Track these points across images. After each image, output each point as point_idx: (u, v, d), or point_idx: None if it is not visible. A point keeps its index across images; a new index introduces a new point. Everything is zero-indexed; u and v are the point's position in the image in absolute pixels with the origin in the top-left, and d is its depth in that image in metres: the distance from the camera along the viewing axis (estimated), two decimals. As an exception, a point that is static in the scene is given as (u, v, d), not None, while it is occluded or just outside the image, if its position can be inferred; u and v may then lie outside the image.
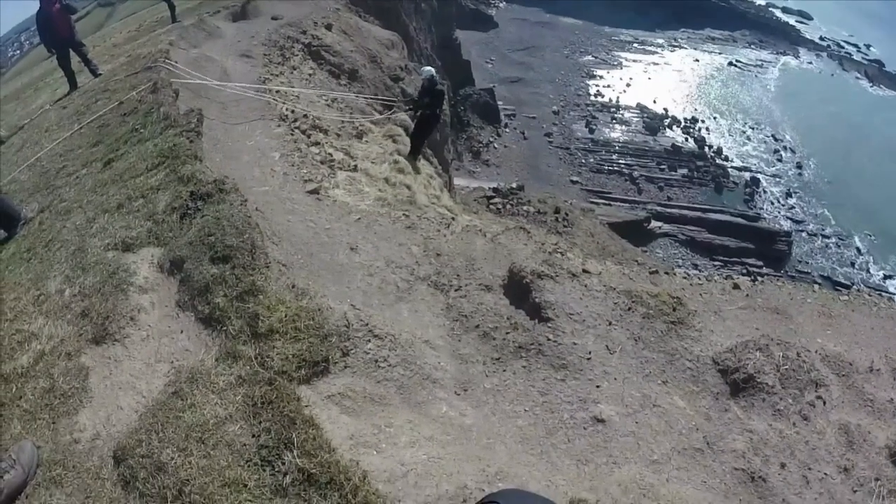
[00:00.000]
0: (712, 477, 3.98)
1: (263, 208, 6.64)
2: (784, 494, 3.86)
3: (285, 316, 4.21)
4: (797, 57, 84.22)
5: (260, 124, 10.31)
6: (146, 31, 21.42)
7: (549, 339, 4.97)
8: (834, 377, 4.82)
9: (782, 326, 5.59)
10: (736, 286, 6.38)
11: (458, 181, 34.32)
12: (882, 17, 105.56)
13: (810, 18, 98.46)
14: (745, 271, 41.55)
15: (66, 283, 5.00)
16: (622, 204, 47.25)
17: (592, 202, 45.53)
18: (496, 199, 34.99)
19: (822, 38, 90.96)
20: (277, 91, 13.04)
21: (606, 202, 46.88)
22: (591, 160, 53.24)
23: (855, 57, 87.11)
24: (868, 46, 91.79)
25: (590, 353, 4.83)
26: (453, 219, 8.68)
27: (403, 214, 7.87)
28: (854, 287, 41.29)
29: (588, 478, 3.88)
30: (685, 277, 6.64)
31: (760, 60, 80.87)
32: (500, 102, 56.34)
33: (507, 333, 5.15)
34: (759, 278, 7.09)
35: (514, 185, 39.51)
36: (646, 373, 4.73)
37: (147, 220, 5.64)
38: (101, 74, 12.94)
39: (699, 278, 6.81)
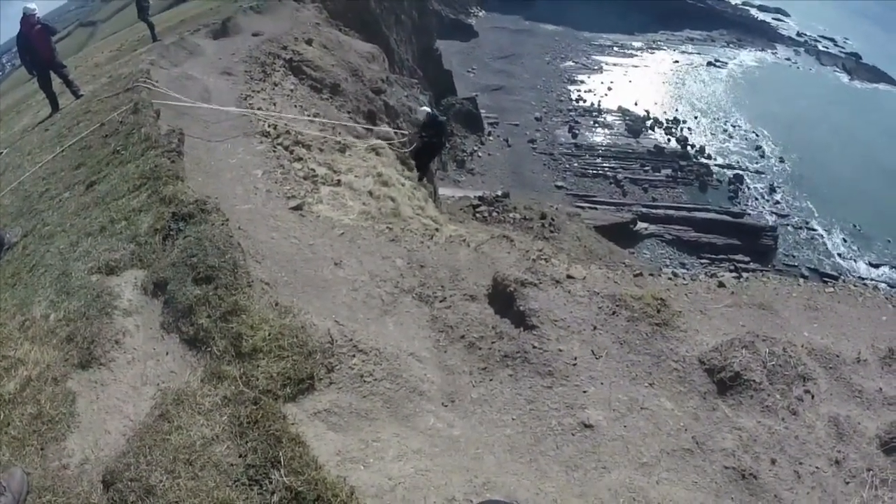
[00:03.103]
0: (703, 477, 3.99)
1: (246, 226, 6.64)
2: (776, 490, 3.88)
3: (269, 335, 4.21)
4: (775, 53, 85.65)
5: (242, 141, 10.30)
6: (127, 50, 21.37)
7: (534, 347, 4.99)
8: (821, 370, 4.86)
9: (769, 322, 5.64)
10: (721, 284, 6.42)
11: (443, 191, 34.38)
12: (858, 10, 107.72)
13: (787, 15, 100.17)
14: (732, 268, 41.99)
15: (51, 308, 5.00)
16: (608, 207, 47.58)
17: (578, 206, 45.75)
18: (482, 208, 35.08)
19: (799, 34, 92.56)
20: (259, 109, 13.07)
21: (592, 206, 47.16)
22: (575, 165, 53.63)
23: (832, 51, 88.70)
24: (845, 39, 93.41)
25: (575, 358, 4.86)
26: (437, 230, 8.74)
27: (387, 227, 7.88)
28: (841, 277, 41.99)
29: (577, 484, 3.90)
30: (670, 278, 6.67)
31: (739, 58, 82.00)
32: (482, 111, 56.72)
33: (493, 343, 5.17)
34: (744, 275, 7.11)
35: (499, 193, 39.63)
36: (632, 376, 4.76)
37: (130, 242, 5.63)
38: (82, 95, 12.88)
39: (684, 278, 6.84)
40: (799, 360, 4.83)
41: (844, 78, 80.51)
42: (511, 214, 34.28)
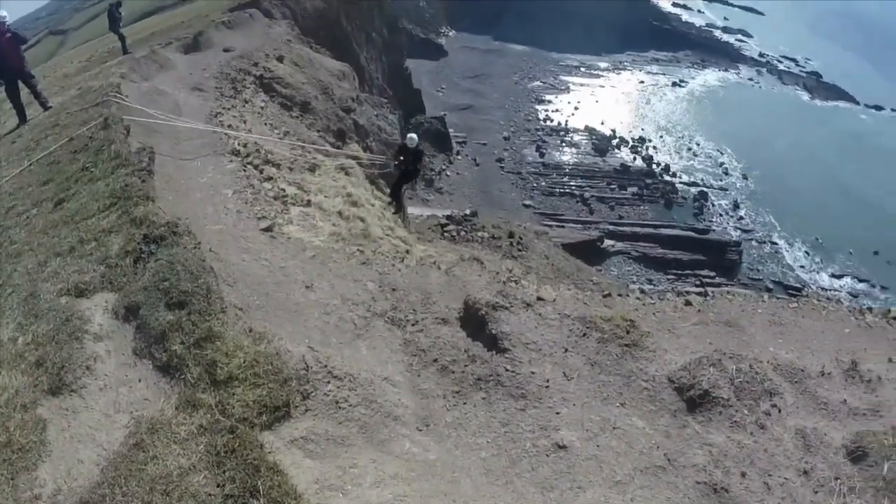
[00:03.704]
0: (676, 493, 4.11)
1: (217, 248, 6.58)
2: (747, 502, 4.03)
3: (244, 362, 4.20)
4: (738, 73, 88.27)
5: (212, 160, 10.21)
6: (98, 61, 20.95)
7: (507, 370, 5.08)
8: (787, 385, 5.05)
9: (735, 339, 5.84)
10: (688, 303, 6.63)
11: (411, 210, 34.41)
12: (818, 31, 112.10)
13: (750, 36, 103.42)
14: (698, 282, 42.79)
15: (18, 331, 4.86)
16: (575, 225, 48.10)
17: (546, 225, 46.22)
18: (450, 227, 35.20)
19: (761, 55, 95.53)
20: (230, 126, 12.99)
21: (559, 224, 47.64)
22: (543, 183, 54.21)
23: (794, 70, 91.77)
24: (806, 59, 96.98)
25: (548, 380, 4.96)
26: (407, 251, 8.79)
27: (358, 250, 7.90)
28: (805, 289, 43.22)
29: (553, 504, 3.98)
30: (638, 298, 6.86)
31: (703, 79, 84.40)
32: (451, 130, 57.04)
33: (466, 366, 5.25)
34: (710, 293, 7.32)
35: (467, 212, 39.86)
36: (604, 396, 4.88)
37: (100, 264, 5.51)
38: (51, 108, 12.51)
39: (651, 297, 7.03)
40: (765, 375, 5.02)
41: (805, 96, 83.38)
42: (479, 233, 34.50)
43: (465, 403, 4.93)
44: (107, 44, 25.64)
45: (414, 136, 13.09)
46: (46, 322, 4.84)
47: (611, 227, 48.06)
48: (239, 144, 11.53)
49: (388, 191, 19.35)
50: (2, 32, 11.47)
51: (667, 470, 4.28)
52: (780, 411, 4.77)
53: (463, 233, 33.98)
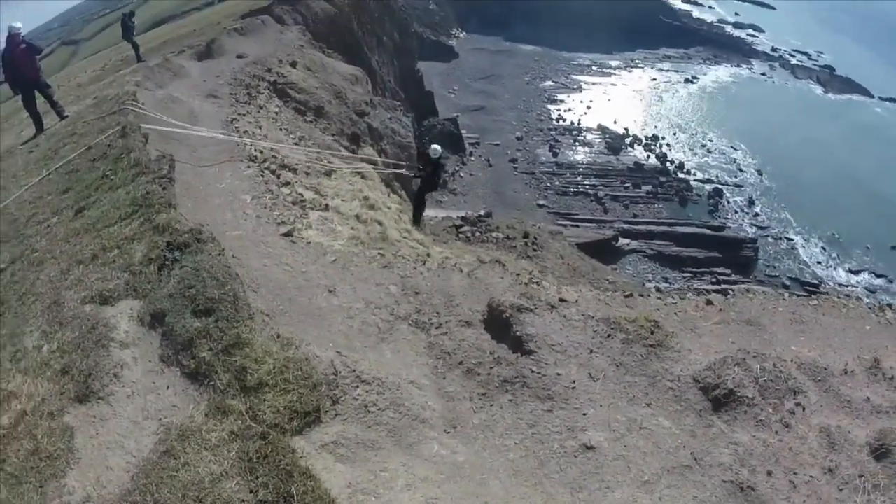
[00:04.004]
0: (703, 492, 4.10)
1: (239, 253, 6.61)
2: (773, 501, 4.01)
3: (273, 368, 4.21)
4: (751, 69, 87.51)
5: (230, 166, 10.25)
6: (111, 70, 21.23)
7: (533, 372, 5.05)
8: (811, 383, 5.01)
9: (757, 338, 5.78)
10: (709, 302, 6.56)
11: (426, 212, 34.40)
12: (832, 24, 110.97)
13: (761, 31, 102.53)
14: (714, 280, 42.49)
15: (43, 339, 4.89)
16: (589, 224, 47.93)
17: (560, 224, 46.06)
18: (465, 228, 35.07)
19: (773, 49, 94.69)
20: (245, 132, 13.08)
21: (574, 223, 47.48)
22: (557, 183, 54.10)
23: (806, 64, 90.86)
24: (819, 53, 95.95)
25: (574, 382, 4.93)
26: (428, 255, 8.78)
27: (378, 253, 7.89)
28: (822, 285, 42.68)
29: (583, 505, 3.95)
30: (659, 298, 6.81)
31: (716, 75, 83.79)
32: (463, 131, 57.13)
33: (492, 368, 5.22)
34: (730, 292, 7.27)
35: (481, 213, 39.77)
36: (630, 397, 4.85)
37: (124, 271, 5.54)
38: (67, 116, 12.72)
39: (672, 297, 6.97)
40: (789, 374, 4.98)
41: (819, 90, 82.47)
42: (494, 234, 34.36)
43: (491, 405, 4.90)
44: (119, 53, 25.97)
45: (437, 147, 13.20)
46: (71, 330, 4.87)
47: (625, 226, 47.83)
48: (255, 150, 11.60)
49: (402, 193, 19.49)
50: (16, 44, 11.67)
51: (693, 469, 4.28)
52: (804, 410, 4.76)
53: (478, 234, 33.84)
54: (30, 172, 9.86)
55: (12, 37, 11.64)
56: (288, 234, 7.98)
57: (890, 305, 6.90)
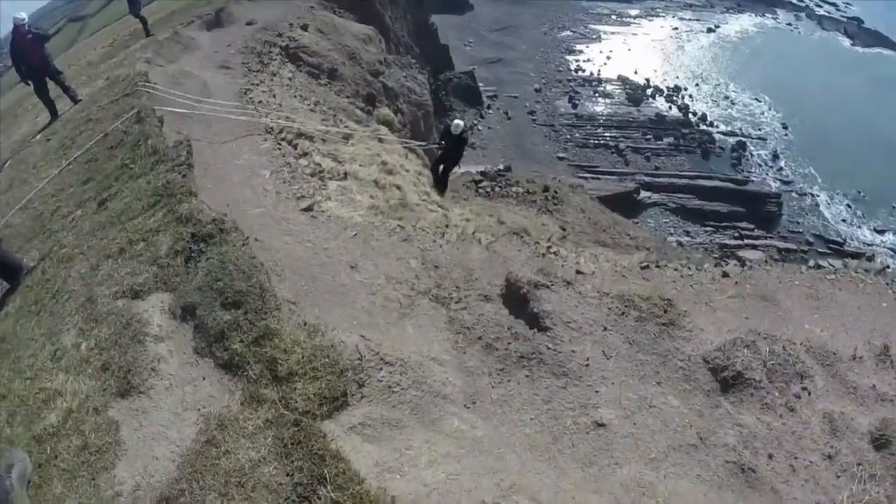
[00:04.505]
0: (706, 471, 4.27)
1: (261, 233, 6.76)
2: (773, 483, 4.15)
3: (302, 357, 4.43)
4: (776, 18, 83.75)
5: (247, 141, 10.31)
6: (121, 46, 21.15)
7: (548, 348, 5.22)
8: (819, 367, 5.07)
9: (771, 314, 5.83)
10: (725, 274, 6.59)
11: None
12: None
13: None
14: (737, 234, 41.97)
15: (81, 337, 5.11)
16: (610, 177, 47.23)
17: (581, 177, 45.48)
18: (484, 183, 34.84)
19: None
20: (260, 102, 13.11)
21: (595, 176, 46.84)
22: (577, 135, 53.12)
23: (834, 15, 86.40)
24: (847, 4, 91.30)
25: (588, 359, 5.09)
26: (447, 225, 8.89)
27: (398, 225, 8.00)
28: (846, 244, 41.92)
29: (593, 480, 4.18)
30: (676, 270, 6.82)
31: (740, 24, 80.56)
32: (480, 84, 56.03)
33: (509, 344, 5.39)
34: (748, 263, 7.27)
35: (501, 167, 39.42)
36: (641, 375, 5.00)
37: (151, 264, 5.71)
38: (80, 100, 12.84)
39: (689, 268, 6.99)
40: (797, 358, 5.06)
41: (846, 42, 78.39)
42: (514, 188, 34.11)
43: (509, 381, 5.08)
44: (127, 27, 25.73)
45: (460, 122, 13.10)
46: (107, 326, 5.09)
47: (647, 179, 47.05)
48: (271, 121, 11.66)
49: (419, 151, 19.44)
50: (23, 34, 11.69)
51: (699, 448, 4.43)
52: (809, 394, 4.83)
53: (497, 188, 33.61)
54: (49, 163, 9.98)
55: (17, 28, 11.68)
56: (308, 209, 8.09)
57: (908, 282, 6.83)
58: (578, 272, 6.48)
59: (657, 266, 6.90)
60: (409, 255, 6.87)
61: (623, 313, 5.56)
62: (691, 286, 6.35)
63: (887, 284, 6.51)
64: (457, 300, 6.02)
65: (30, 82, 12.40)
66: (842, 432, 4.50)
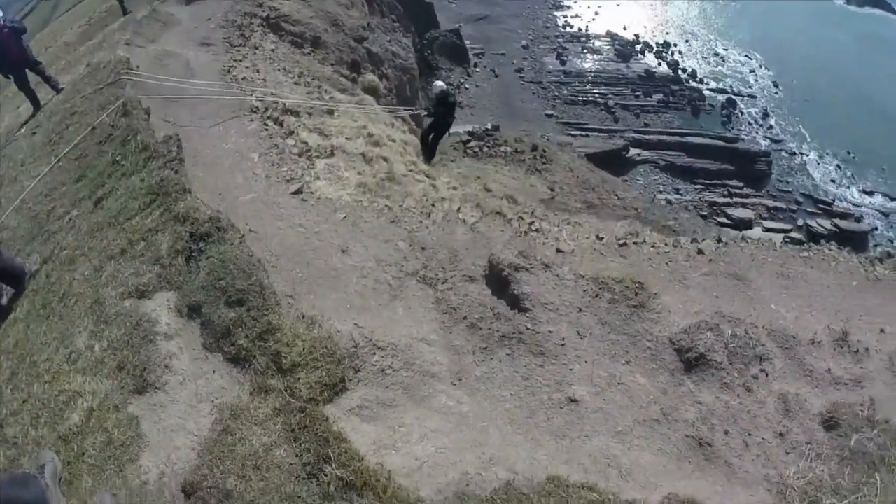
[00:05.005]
0: (667, 444, 4.70)
1: (253, 220, 7.04)
2: (727, 457, 4.56)
3: (303, 349, 4.88)
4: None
5: (234, 123, 10.38)
6: (98, 25, 20.61)
7: (528, 329, 5.63)
8: (778, 350, 5.41)
9: (741, 294, 6.19)
10: (700, 251, 6.94)
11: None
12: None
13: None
14: (726, 192, 42.35)
15: (93, 339, 5.36)
16: (599, 134, 47.23)
17: (569, 134, 45.46)
18: (472, 143, 34.69)
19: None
20: (244, 79, 13.11)
21: (583, 133, 46.81)
22: (565, 92, 52.82)
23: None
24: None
25: (563, 339, 5.51)
26: (433, 204, 9.19)
27: (386, 206, 8.23)
28: (835, 203, 42.41)
29: (565, 451, 4.63)
30: (653, 247, 7.13)
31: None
32: (467, 42, 55.24)
33: (492, 324, 5.77)
34: (722, 240, 7.62)
35: (489, 126, 39.20)
36: (612, 354, 5.42)
37: (154, 264, 5.95)
38: (63, 88, 12.68)
39: (665, 244, 7.31)
40: (758, 341, 5.42)
41: (840, 1, 77.62)
42: (502, 148, 34.05)
43: (491, 359, 5.47)
44: (103, 3, 24.89)
45: (440, 83, 12.95)
46: (117, 327, 5.35)
47: (636, 136, 47.09)
48: (256, 100, 11.72)
49: (406, 117, 19.39)
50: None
51: (661, 423, 4.83)
52: (767, 376, 5.17)
53: (486, 148, 33.62)
54: (37, 159, 9.92)
55: None
56: (298, 192, 8.32)
57: (881, 259, 7.12)
58: (558, 250, 6.87)
59: (635, 243, 7.27)
60: (396, 236, 7.17)
61: (597, 295, 5.95)
62: (667, 263, 6.71)
63: (860, 263, 6.82)
64: (443, 281, 6.37)
65: (10, 77, 12.24)
66: (794, 412, 4.81)
